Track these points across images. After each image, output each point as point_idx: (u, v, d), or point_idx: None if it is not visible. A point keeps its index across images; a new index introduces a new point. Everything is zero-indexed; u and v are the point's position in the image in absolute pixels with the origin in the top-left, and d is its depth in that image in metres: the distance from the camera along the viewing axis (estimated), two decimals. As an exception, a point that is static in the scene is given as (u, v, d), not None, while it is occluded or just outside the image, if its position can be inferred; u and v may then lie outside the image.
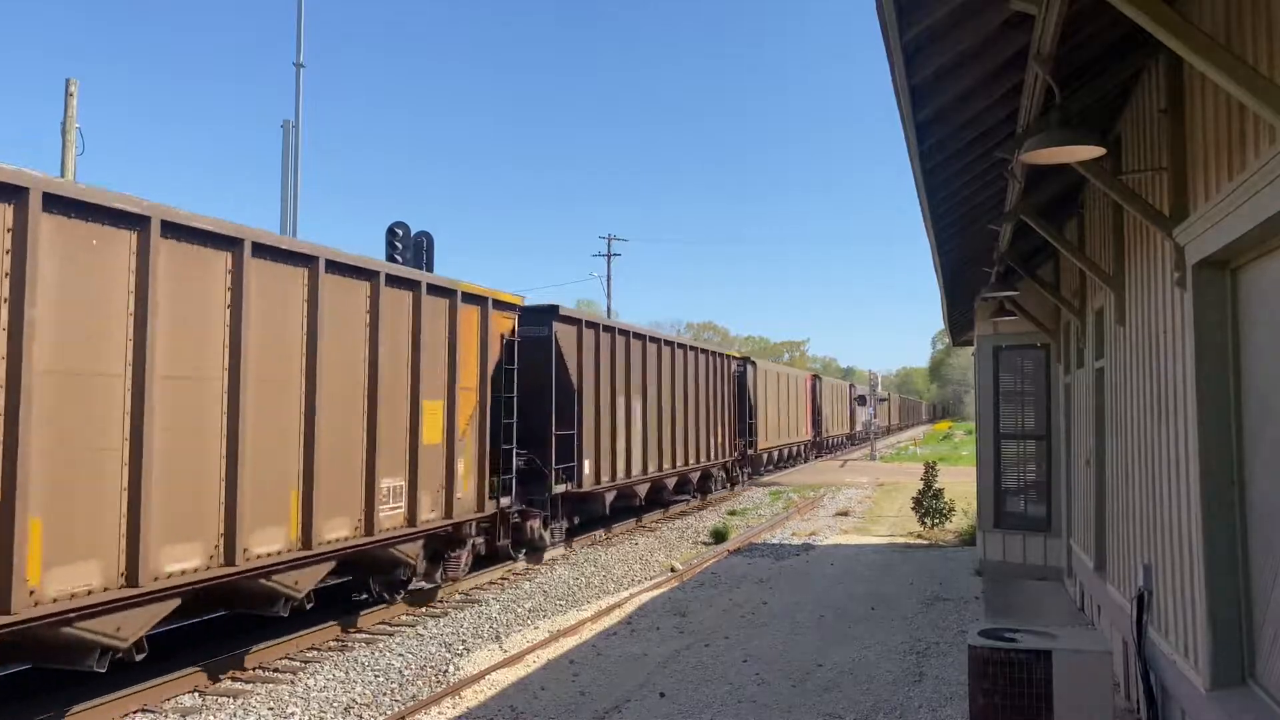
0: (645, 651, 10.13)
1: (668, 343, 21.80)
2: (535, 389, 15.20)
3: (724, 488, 27.72)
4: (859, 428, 60.42)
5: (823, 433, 46.08)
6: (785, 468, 37.89)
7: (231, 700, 8.73)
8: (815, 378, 44.76)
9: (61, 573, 6.96)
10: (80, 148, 18.13)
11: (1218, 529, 5.15)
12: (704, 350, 24.79)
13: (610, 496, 17.78)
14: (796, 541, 18.59)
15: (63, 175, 17.91)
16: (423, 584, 12.42)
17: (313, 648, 10.51)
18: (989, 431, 14.06)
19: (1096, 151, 5.00)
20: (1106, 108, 7.58)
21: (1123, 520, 8.04)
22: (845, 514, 23.08)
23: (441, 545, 12.44)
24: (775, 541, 18.70)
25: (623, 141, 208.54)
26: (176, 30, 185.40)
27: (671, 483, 21.82)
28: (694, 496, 25.13)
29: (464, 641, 10.86)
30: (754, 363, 30.44)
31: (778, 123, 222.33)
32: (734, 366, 27.89)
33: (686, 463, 22.47)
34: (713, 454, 24.91)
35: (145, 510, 7.57)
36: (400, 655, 10.24)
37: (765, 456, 33.15)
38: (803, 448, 41.53)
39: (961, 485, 22.11)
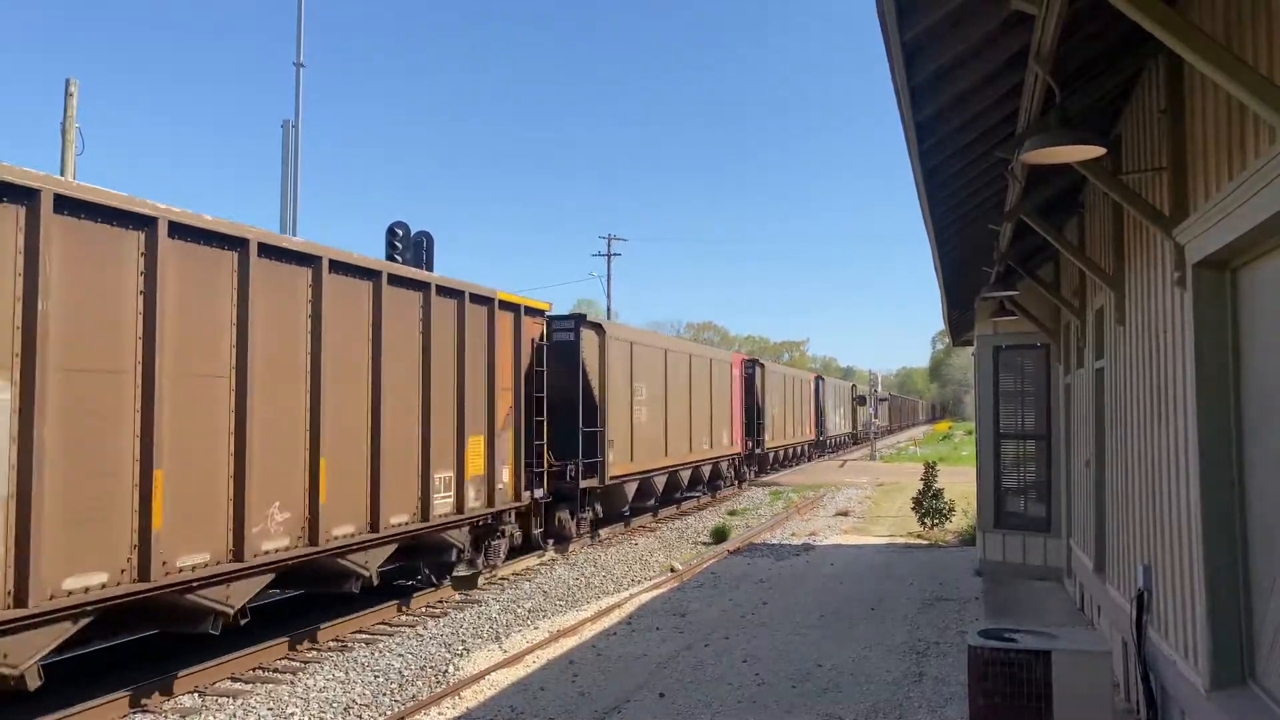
0: (645, 652, 10.12)
1: (206, 236, 8.50)
2: None
3: (510, 555, 14.87)
4: (832, 433, 49.02)
5: (765, 442, 32.19)
6: (685, 501, 25.16)
7: (231, 700, 8.72)
8: (753, 363, 31.69)
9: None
10: (80, 147, 18.13)
11: (1217, 529, 5.14)
12: (411, 281, 11.72)
13: None
14: (796, 542, 18.59)
15: (62, 175, 17.92)
16: None
17: (312, 648, 10.50)
18: (989, 432, 14.05)
19: (1096, 151, 4.99)
20: (1106, 108, 7.57)
21: (1122, 521, 8.04)
22: (845, 514, 23.07)
23: None
24: (775, 542, 18.69)
25: (623, 142, 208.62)
26: (177, 30, 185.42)
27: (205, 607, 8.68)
28: (421, 592, 12.82)
29: (464, 642, 10.86)
30: (600, 327, 17.82)
31: (778, 123, 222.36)
32: (535, 327, 15.04)
33: (315, 537, 9.70)
34: (462, 497, 12.55)
35: None
36: (400, 655, 10.24)
37: (633, 488, 19.48)
38: (730, 465, 28.32)
39: (961, 485, 22.09)
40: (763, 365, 32.53)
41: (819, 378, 46.35)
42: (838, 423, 51.46)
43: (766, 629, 11.11)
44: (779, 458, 36.12)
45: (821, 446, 46.73)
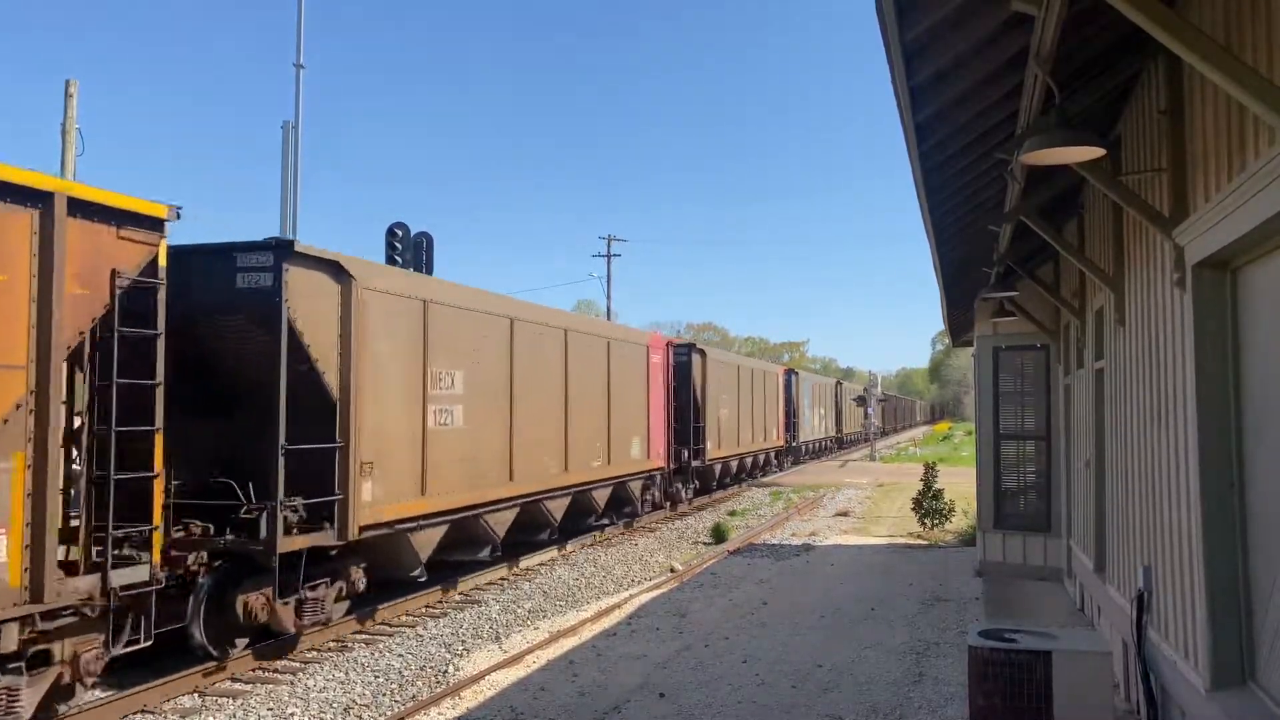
0: (645, 652, 10.13)
1: None
2: None
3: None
4: (809, 437, 41.78)
5: (707, 451, 24.08)
6: (578, 537, 17.73)
7: (231, 700, 8.73)
8: (687, 348, 23.72)
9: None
10: (80, 148, 18.14)
11: (1217, 530, 5.15)
12: None
13: None
14: (796, 542, 18.59)
15: (62, 176, 17.93)
16: None
17: (312, 648, 10.50)
18: (989, 432, 14.06)
19: (1096, 152, 5.00)
20: (1106, 108, 7.58)
21: (1122, 521, 8.04)
22: (845, 514, 23.08)
23: None
24: (775, 542, 18.69)
25: (623, 143, 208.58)
26: (177, 31, 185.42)
27: None
28: None
29: (463, 642, 10.87)
30: (338, 268, 10.44)
31: (779, 123, 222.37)
32: (124, 249, 7.93)
33: None
34: None
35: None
36: (400, 656, 10.24)
37: (432, 538, 12.07)
38: (648, 484, 20.57)
39: (961, 486, 22.10)
40: (703, 352, 24.50)
41: (790, 371, 39.12)
42: (817, 425, 44.08)
43: (766, 629, 11.11)
44: (730, 470, 28.22)
45: (795, 454, 39.33)
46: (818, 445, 45.44)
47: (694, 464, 23.38)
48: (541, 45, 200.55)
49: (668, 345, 22.09)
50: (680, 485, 22.99)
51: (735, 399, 28.02)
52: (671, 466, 21.82)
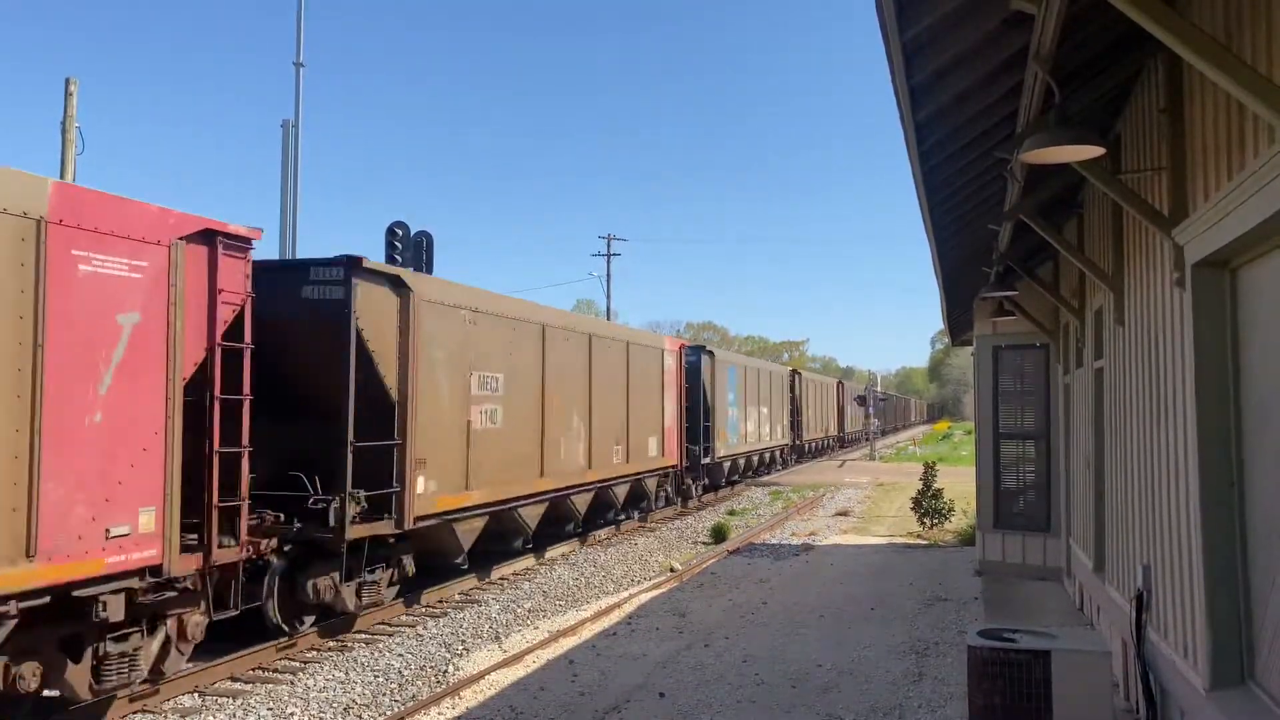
0: (645, 651, 10.13)
1: None
2: None
3: None
4: (737, 449, 27.56)
5: (409, 498, 10.98)
6: None
7: (231, 700, 8.73)
8: (366, 271, 10.37)
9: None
10: (80, 147, 18.13)
11: (1217, 530, 5.15)
12: None
13: None
14: (796, 541, 18.59)
15: (62, 175, 17.92)
16: None
17: (312, 648, 10.50)
18: (988, 431, 14.06)
19: (1096, 151, 5.00)
20: (1106, 107, 7.58)
21: (1122, 521, 8.04)
22: (844, 514, 23.08)
23: None
24: (775, 541, 18.70)
25: (623, 142, 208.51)
26: (176, 31, 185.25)
27: None
28: None
29: (463, 641, 10.87)
30: None
31: (778, 123, 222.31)
32: None
33: None
34: None
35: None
36: (400, 655, 10.24)
37: None
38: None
39: (961, 485, 22.10)
40: (401, 284, 11.21)
41: (696, 349, 24.77)
42: (752, 431, 29.68)
43: (766, 629, 11.11)
44: (520, 527, 14.27)
45: (711, 474, 25.38)
46: (755, 459, 30.89)
47: (395, 523, 11.02)
48: (540, 44, 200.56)
49: (204, 235, 8.32)
50: (325, 582, 10.34)
51: (535, 389, 14.73)
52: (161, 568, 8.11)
